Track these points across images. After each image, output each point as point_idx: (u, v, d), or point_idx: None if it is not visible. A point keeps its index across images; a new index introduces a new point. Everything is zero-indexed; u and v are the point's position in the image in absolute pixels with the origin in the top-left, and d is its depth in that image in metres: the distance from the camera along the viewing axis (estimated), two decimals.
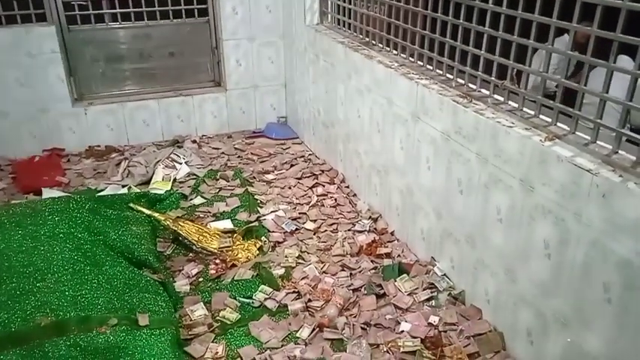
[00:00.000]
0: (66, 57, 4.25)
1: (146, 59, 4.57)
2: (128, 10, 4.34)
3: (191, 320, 2.48)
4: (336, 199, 3.58)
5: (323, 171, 3.99)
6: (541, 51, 2.12)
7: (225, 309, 2.57)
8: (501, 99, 2.34)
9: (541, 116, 2.13)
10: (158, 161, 4.02)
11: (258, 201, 3.58)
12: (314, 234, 3.21)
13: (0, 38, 3.96)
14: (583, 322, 1.83)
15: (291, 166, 4.13)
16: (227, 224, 3.29)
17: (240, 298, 2.64)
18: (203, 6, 4.53)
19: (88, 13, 4.24)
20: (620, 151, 1.79)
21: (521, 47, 2.17)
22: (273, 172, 4.03)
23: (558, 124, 2.05)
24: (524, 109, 2.21)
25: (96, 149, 4.40)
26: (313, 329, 2.41)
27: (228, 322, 2.49)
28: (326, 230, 3.24)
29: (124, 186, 3.77)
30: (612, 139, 1.82)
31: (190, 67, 4.71)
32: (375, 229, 3.23)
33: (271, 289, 2.68)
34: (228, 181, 3.88)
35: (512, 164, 2.08)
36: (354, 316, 2.50)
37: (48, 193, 3.61)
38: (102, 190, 3.71)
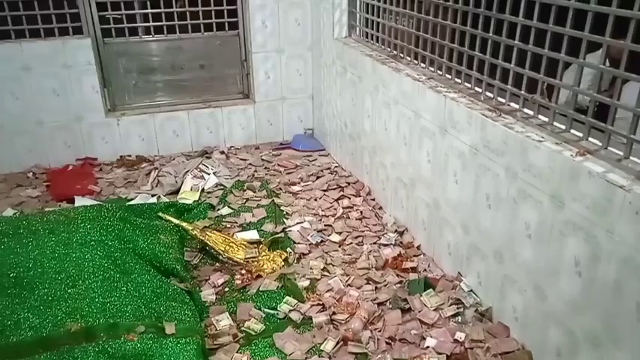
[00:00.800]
0: (100, 68, 4.37)
1: (177, 71, 4.67)
2: (161, 23, 4.45)
3: (216, 330, 2.50)
4: (361, 212, 3.58)
5: (349, 183, 3.99)
6: (573, 66, 2.09)
7: (250, 319, 2.58)
8: (531, 113, 2.31)
9: (572, 131, 2.10)
10: (187, 171, 4.09)
11: (284, 212, 3.60)
12: (339, 246, 3.21)
13: (38, 50, 4.11)
14: (614, 342, 1.78)
15: (317, 177, 4.15)
16: (253, 235, 3.31)
17: (265, 309, 2.65)
18: (234, 19, 4.61)
19: (122, 26, 4.36)
20: None
21: (551, 61, 2.14)
22: (299, 183, 4.05)
23: (590, 139, 2.02)
24: (555, 123, 2.18)
25: (127, 159, 4.50)
26: (337, 342, 2.40)
27: (253, 333, 2.50)
28: (351, 243, 3.24)
29: (153, 195, 3.84)
30: None
31: (220, 79, 4.79)
32: (401, 242, 3.21)
33: (296, 301, 2.68)
34: (254, 192, 3.92)
35: (542, 179, 2.05)
36: (379, 330, 2.48)
37: (80, 202, 3.70)
38: (132, 199, 3.79)
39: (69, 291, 2.29)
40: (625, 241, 1.69)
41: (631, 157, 1.84)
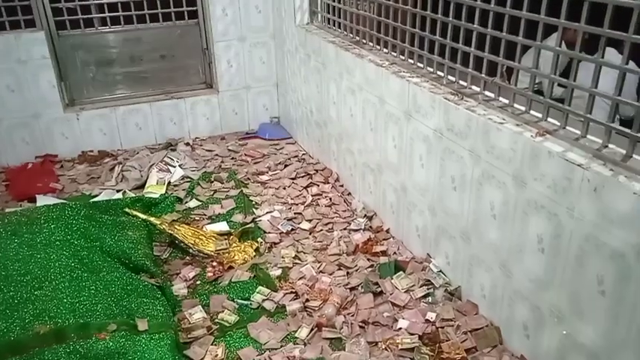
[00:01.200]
0: (56, 62, 4.24)
1: (137, 63, 4.56)
2: (117, 13, 4.33)
3: (190, 323, 2.49)
4: (330, 199, 3.60)
5: (317, 170, 4.00)
6: (531, 50, 2.13)
7: (223, 311, 2.58)
8: (492, 95, 2.36)
9: (532, 112, 2.15)
10: (152, 165, 4.02)
11: (254, 202, 3.59)
12: (310, 234, 3.23)
13: None
14: (578, 315, 1.85)
15: (285, 166, 4.14)
16: (223, 226, 3.29)
17: (238, 300, 2.65)
18: (193, 8, 4.52)
19: (77, 17, 4.23)
20: (610, 145, 1.81)
21: (510, 44, 2.19)
22: (267, 172, 4.04)
23: (549, 119, 2.07)
24: (515, 105, 2.23)
25: (89, 154, 4.40)
26: (312, 329, 2.42)
27: (227, 325, 2.50)
28: (322, 230, 3.26)
29: (118, 191, 3.77)
30: (602, 133, 1.84)
31: (182, 70, 4.71)
32: (371, 227, 3.25)
33: (269, 290, 2.69)
34: (222, 183, 3.89)
35: (505, 160, 2.10)
36: (352, 315, 2.52)
37: (42, 200, 3.61)
38: (96, 196, 3.71)
39: (35, 293, 2.24)
40: (585, 218, 1.75)
41: (588, 136, 1.90)
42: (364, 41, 3.42)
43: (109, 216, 2.98)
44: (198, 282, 2.83)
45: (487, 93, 2.40)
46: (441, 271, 2.71)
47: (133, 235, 2.90)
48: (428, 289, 2.63)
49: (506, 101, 2.27)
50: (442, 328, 2.38)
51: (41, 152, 4.31)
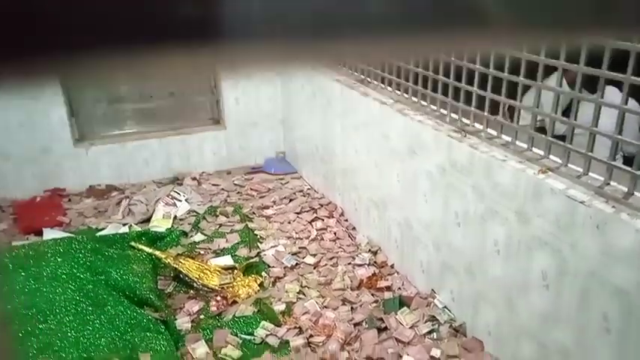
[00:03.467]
0: (67, 98, 4.33)
1: (146, 99, 4.66)
2: None
3: (193, 358, 2.48)
4: (335, 233, 3.61)
5: (322, 205, 4.03)
6: (532, 90, 2.19)
7: (226, 346, 2.56)
8: (495, 133, 2.40)
9: (534, 149, 2.19)
10: (158, 199, 4.06)
11: (258, 236, 3.61)
12: (314, 268, 3.23)
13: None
14: (584, 352, 1.84)
15: (290, 200, 4.17)
16: (227, 260, 3.30)
17: (242, 335, 2.64)
18: None
19: None
20: (612, 182, 1.84)
21: (511, 83, 2.24)
22: (272, 207, 4.07)
23: (551, 156, 2.11)
24: (518, 142, 2.27)
25: (97, 188, 4.44)
26: None
27: None
28: (326, 264, 3.26)
29: (124, 224, 3.80)
30: (604, 170, 1.86)
31: (190, 106, 4.80)
32: (375, 262, 3.25)
33: (272, 325, 2.68)
34: (227, 217, 3.91)
35: (508, 197, 2.13)
36: (356, 351, 2.50)
37: (49, 234, 3.63)
38: (103, 229, 3.74)
39: (40, 326, 2.25)
40: (588, 254, 1.76)
41: (590, 174, 1.93)
42: (369, 80, 3.50)
43: (115, 250, 3.01)
44: (202, 316, 2.82)
45: (490, 130, 2.44)
46: (445, 307, 2.70)
47: (138, 268, 2.91)
48: (433, 324, 2.61)
49: (509, 139, 2.31)
50: None
51: (50, 186, 4.36)
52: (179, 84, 4.65)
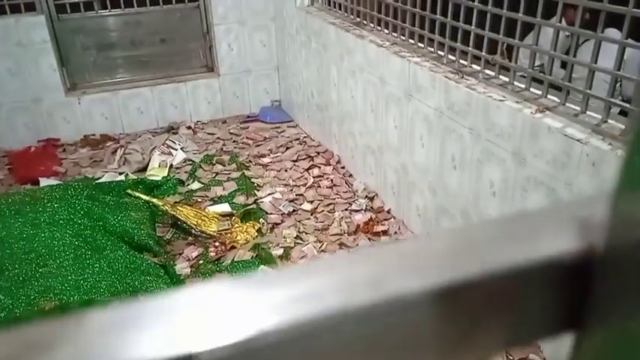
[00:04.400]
0: (57, 46, 4.24)
1: (137, 46, 4.56)
2: None
3: None
4: (332, 180, 3.61)
5: (318, 153, 4.01)
6: (531, 33, 2.14)
7: None
8: (492, 74, 2.36)
9: (532, 89, 2.16)
10: (154, 148, 4.04)
11: (255, 184, 3.61)
12: (311, 214, 3.25)
13: None
14: None
15: (287, 149, 4.16)
16: (225, 208, 3.32)
17: None
18: None
19: (77, 1, 4.22)
20: (609, 121, 1.82)
21: (511, 22, 2.19)
22: (268, 155, 4.05)
23: (549, 96, 2.08)
24: (515, 82, 2.24)
25: (91, 138, 4.41)
26: None
27: None
28: (323, 210, 3.28)
29: (120, 174, 3.79)
30: (602, 109, 1.85)
31: (182, 54, 4.70)
32: (372, 207, 3.27)
33: (271, 269, 2.72)
34: (224, 166, 3.91)
35: (504, 138, 2.11)
36: None
37: (45, 183, 3.62)
38: (99, 179, 3.73)
39: (40, 270, 2.28)
40: (583, 192, 1.77)
41: (587, 112, 1.91)
42: (365, 22, 3.41)
43: (112, 197, 3.01)
44: (201, 261, 2.86)
45: (487, 71, 2.40)
46: None
47: (136, 215, 2.92)
48: None
49: (507, 79, 2.28)
50: None
51: (43, 136, 4.33)
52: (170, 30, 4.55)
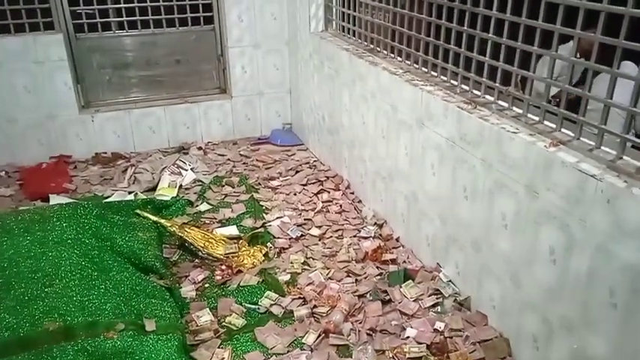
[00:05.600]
0: (73, 64, 4.30)
1: (152, 67, 4.61)
2: (135, 18, 4.39)
3: (197, 326, 2.49)
4: (341, 206, 3.59)
5: (328, 177, 4.00)
6: (545, 58, 2.13)
7: (231, 315, 2.58)
8: (506, 105, 2.35)
9: (545, 122, 2.14)
10: (164, 168, 4.05)
11: (264, 207, 3.60)
12: (319, 240, 3.22)
13: (9, 46, 4.02)
14: (588, 327, 1.83)
15: (297, 172, 4.15)
16: (233, 230, 3.30)
17: (246, 304, 2.65)
18: (209, 14, 4.57)
19: (95, 21, 4.29)
20: (624, 157, 1.80)
21: (525, 53, 2.18)
22: (278, 178, 4.05)
23: (563, 130, 2.06)
24: (529, 115, 2.22)
25: (102, 156, 4.44)
26: (319, 335, 2.41)
27: (234, 328, 2.50)
28: (331, 236, 3.25)
29: (130, 192, 3.80)
30: (617, 145, 1.82)
31: (196, 75, 4.75)
32: (381, 235, 3.24)
33: (277, 295, 2.69)
34: (233, 188, 3.90)
35: (517, 170, 2.09)
36: (360, 322, 2.50)
37: (55, 200, 3.64)
38: (108, 197, 3.74)
39: (46, 290, 2.26)
40: (597, 229, 1.74)
41: (602, 147, 1.88)
42: (378, 49, 3.43)
43: (121, 216, 3.01)
44: (207, 285, 2.83)
45: (501, 102, 2.39)
46: (450, 280, 2.69)
47: (144, 236, 2.91)
48: (437, 298, 2.61)
49: (520, 111, 2.26)
50: (450, 338, 2.36)
51: (55, 153, 4.36)
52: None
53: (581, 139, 1.98)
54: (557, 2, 1.95)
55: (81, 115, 4.38)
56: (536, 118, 2.17)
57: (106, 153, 4.47)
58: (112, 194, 3.78)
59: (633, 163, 1.76)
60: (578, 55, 2.02)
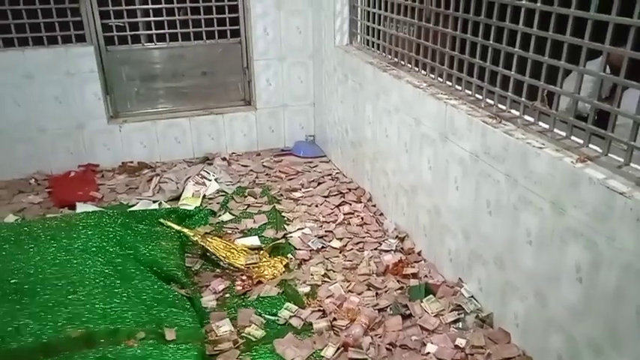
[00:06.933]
0: (103, 76, 4.40)
1: (179, 79, 4.69)
2: (163, 31, 4.48)
3: (217, 336, 2.50)
4: (362, 218, 3.58)
5: (350, 189, 4.00)
6: (573, 74, 2.10)
7: (250, 325, 2.58)
8: (531, 120, 2.32)
9: (572, 138, 2.10)
10: (188, 178, 4.10)
11: (285, 218, 3.60)
12: (340, 252, 3.21)
13: (41, 58, 4.14)
14: (616, 347, 1.77)
15: (319, 184, 4.15)
16: (254, 241, 3.31)
17: (266, 315, 2.65)
18: (235, 27, 4.64)
19: (125, 34, 4.39)
20: None
21: (551, 68, 2.15)
22: (300, 190, 4.06)
23: (590, 145, 2.02)
24: (556, 130, 2.19)
25: (129, 165, 4.51)
26: (338, 348, 2.39)
27: (254, 339, 2.50)
28: (352, 249, 3.24)
29: (154, 201, 3.85)
30: None
31: (222, 87, 4.81)
32: (402, 248, 3.21)
33: (296, 307, 2.68)
34: (256, 198, 3.92)
35: (543, 186, 2.05)
36: (380, 337, 2.48)
37: (82, 208, 3.71)
38: (133, 206, 3.80)
39: (69, 297, 2.30)
40: (625, 247, 1.69)
41: (631, 164, 1.84)
42: (402, 63, 3.43)
43: (144, 225, 3.05)
44: (227, 295, 2.84)
45: (527, 117, 2.36)
46: (472, 296, 2.65)
47: (167, 245, 2.94)
48: (458, 314, 2.57)
49: (546, 126, 2.23)
50: (472, 355, 2.32)
51: (83, 162, 4.45)
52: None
53: (609, 155, 1.93)
54: (585, 17, 1.93)
55: (109, 125, 4.47)
56: (563, 134, 2.14)
57: (132, 162, 4.55)
58: (137, 203, 3.84)
59: None
60: (607, 71, 1.98)
